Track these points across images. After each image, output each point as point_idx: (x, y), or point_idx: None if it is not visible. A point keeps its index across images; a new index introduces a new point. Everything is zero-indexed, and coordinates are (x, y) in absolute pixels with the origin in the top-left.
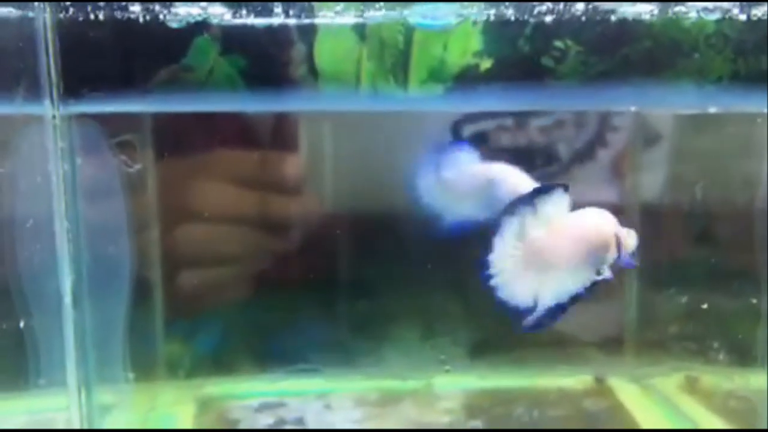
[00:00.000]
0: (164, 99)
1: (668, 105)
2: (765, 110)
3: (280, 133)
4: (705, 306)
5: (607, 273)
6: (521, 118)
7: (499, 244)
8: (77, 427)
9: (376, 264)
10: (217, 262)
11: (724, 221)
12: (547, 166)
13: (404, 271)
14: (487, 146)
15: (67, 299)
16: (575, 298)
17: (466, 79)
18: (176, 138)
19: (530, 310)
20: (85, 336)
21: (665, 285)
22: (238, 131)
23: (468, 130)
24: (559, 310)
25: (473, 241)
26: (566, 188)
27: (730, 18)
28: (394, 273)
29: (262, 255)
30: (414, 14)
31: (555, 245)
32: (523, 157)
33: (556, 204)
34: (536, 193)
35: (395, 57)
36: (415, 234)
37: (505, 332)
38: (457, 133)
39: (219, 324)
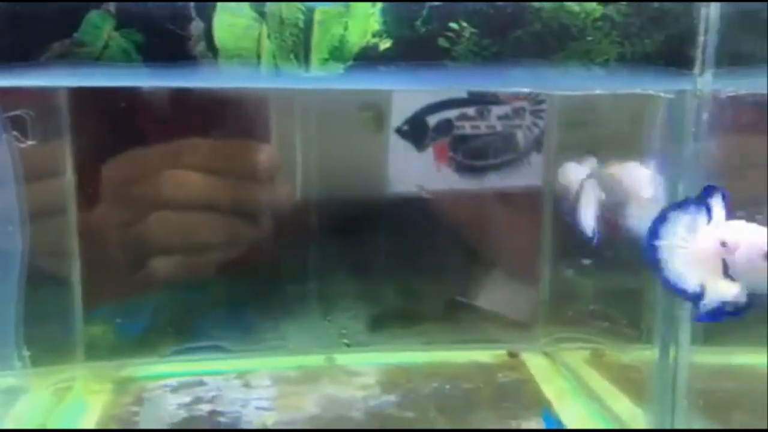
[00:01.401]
0: (57, 73)
1: (558, 87)
2: (650, 91)
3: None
4: (611, 285)
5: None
6: (482, 107)
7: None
8: None
9: (285, 249)
10: (137, 247)
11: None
12: (504, 155)
13: (310, 255)
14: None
15: None
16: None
17: (366, 58)
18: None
19: (698, 297)
20: None
21: (576, 265)
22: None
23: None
24: (726, 312)
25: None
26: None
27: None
28: (299, 257)
29: (184, 243)
30: None
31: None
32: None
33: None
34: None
35: (296, 36)
36: (322, 218)
37: (410, 309)
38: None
39: (141, 308)
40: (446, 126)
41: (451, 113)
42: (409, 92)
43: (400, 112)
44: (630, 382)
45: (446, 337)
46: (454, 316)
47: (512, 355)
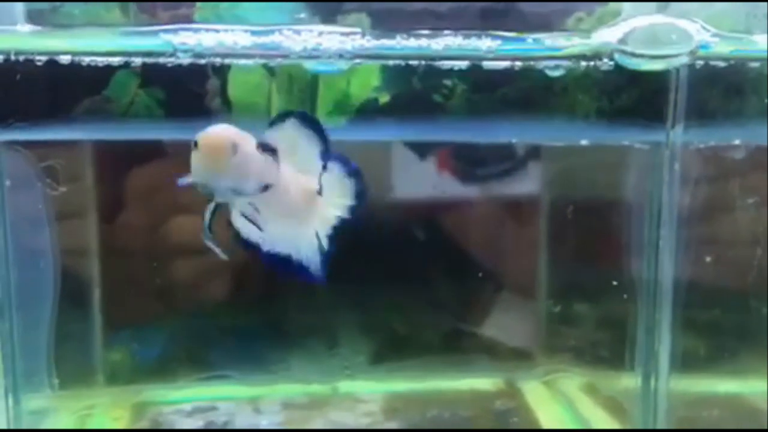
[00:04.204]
0: (88, 127)
1: (543, 138)
2: (627, 143)
3: None
4: (604, 316)
5: None
6: None
7: None
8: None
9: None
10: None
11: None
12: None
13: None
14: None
15: None
16: None
17: (367, 111)
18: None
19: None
20: (13, 346)
21: (571, 297)
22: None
23: None
24: None
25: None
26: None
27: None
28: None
29: (197, 274)
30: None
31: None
32: None
33: None
34: None
35: (303, 91)
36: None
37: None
38: None
39: (158, 334)
40: None
41: None
42: None
43: None
44: (621, 408)
45: (452, 366)
46: (460, 347)
47: (510, 383)
